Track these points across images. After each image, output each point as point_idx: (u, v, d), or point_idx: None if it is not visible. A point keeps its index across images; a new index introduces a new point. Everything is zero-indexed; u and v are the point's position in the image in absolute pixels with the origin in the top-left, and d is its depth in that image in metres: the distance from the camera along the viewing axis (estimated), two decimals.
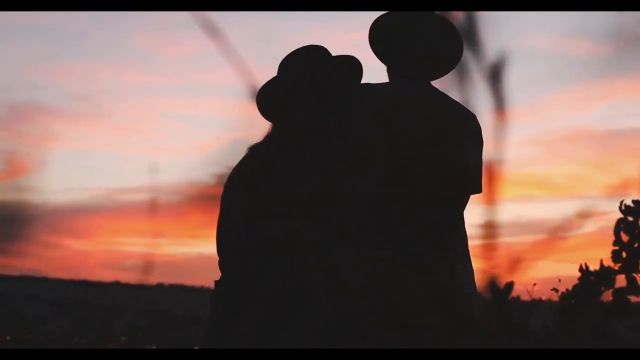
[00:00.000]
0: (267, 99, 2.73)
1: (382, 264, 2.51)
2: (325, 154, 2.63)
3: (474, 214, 2.83)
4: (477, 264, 2.76)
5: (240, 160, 2.73)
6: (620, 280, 1.46)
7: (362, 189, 2.54)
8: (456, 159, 2.72)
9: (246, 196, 2.60)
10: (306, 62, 2.74)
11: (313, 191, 2.55)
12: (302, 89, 2.70)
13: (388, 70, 2.86)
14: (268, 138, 2.74)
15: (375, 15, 2.83)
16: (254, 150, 2.73)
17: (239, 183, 2.66)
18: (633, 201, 1.48)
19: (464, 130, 2.76)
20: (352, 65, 2.77)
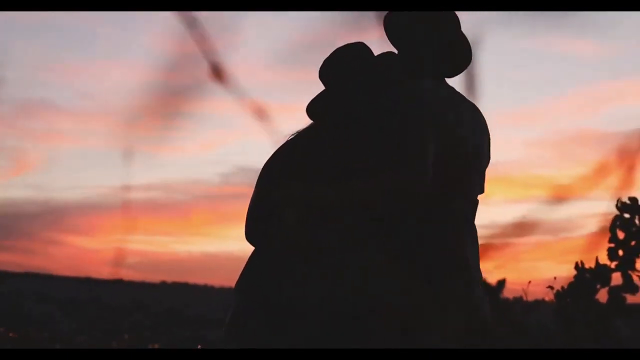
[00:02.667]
0: (315, 111, 2.73)
1: (390, 266, 2.51)
2: (368, 151, 2.61)
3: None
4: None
5: (282, 145, 2.72)
6: (617, 278, 1.46)
7: (415, 186, 2.50)
8: (485, 159, 2.74)
9: (288, 188, 2.58)
10: (344, 63, 2.72)
11: (362, 189, 2.54)
12: (340, 90, 2.70)
13: (401, 60, 2.85)
14: (312, 128, 2.74)
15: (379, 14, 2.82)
16: (297, 138, 2.72)
17: (276, 171, 2.66)
18: (629, 198, 1.49)
19: (487, 129, 2.78)
20: (389, 59, 2.77)
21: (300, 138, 2.73)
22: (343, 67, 2.75)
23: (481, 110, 2.83)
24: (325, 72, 2.77)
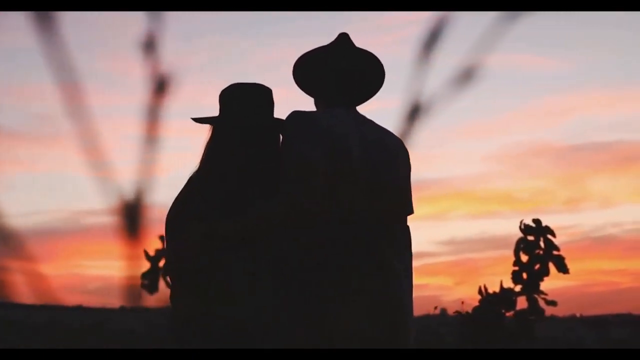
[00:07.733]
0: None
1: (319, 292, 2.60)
2: (262, 180, 2.70)
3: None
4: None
5: (182, 190, 2.79)
6: (522, 302, 1.55)
7: (304, 208, 2.57)
8: (395, 181, 2.80)
9: (192, 227, 2.68)
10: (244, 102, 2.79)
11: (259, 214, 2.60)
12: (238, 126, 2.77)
13: (315, 101, 2.98)
14: (204, 166, 2.81)
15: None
16: (195, 179, 2.80)
17: (182, 212, 2.73)
18: (533, 220, 1.55)
19: (402, 152, 2.89)
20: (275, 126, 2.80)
21: (195, 179, 2.81)
22: (243, 104, 2.82)
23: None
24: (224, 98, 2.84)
